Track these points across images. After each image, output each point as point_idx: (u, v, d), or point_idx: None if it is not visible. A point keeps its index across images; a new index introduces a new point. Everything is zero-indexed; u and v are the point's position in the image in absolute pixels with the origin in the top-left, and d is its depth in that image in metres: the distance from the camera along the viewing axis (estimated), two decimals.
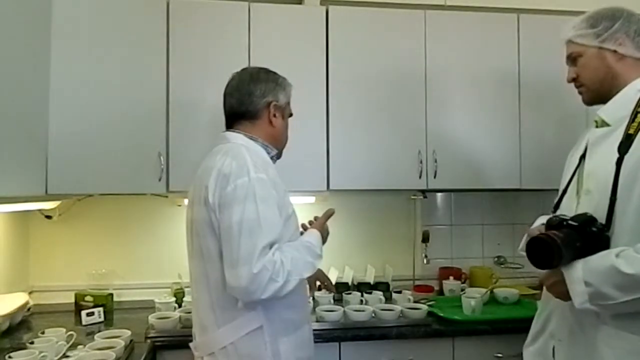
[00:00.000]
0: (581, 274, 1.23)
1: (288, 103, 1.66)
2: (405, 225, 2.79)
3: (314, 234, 1.58)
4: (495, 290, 2.41)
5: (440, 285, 2.64)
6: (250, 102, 1.59)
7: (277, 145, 1.64)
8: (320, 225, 1.64)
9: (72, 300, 2.40)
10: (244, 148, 1.51)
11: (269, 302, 1.42)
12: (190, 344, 1.60)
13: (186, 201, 2.32)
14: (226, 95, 1.63)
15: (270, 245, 1.39)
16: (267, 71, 1.65)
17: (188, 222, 1.57)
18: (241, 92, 1.60)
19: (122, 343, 1.75)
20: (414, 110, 2.40)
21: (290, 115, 1.70)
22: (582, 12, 1.50)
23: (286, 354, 1.47)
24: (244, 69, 1.68)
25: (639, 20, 1.43)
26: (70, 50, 2.13)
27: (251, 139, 1.58)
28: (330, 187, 2.33)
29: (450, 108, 2.43)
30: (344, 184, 2.35)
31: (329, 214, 1.68)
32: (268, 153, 1.60)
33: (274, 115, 1.60)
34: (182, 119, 2.23)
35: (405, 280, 2.66)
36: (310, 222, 1.68)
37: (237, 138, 1.57)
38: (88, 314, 2.16)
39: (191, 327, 1.98)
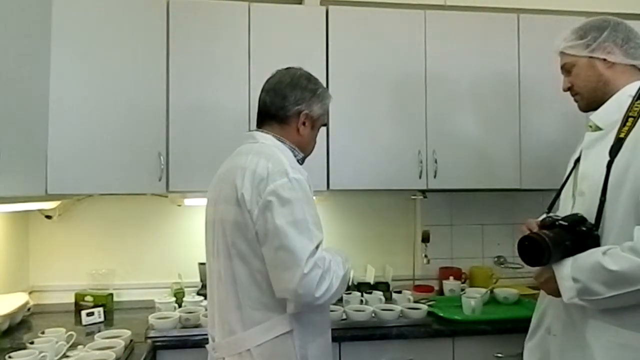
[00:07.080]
0: (570, 270, 1.30)
1: (323, 114, 1.62)
2: (405, 225, 2.79)
3: None
4: (495, 290, 2.41)
5: (440, 285, 2.64)
6: (282, 106, 1.56)
7: (302, 151, 1.60)
8: None
9: (72, 300, 2.41)
10: (276, 149, 1.49)
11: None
12: (207, 346, 1.57)
13: (187, 201, 2.37)
14: (263, 90, 1.60)
15: (317, 246, 1.37)
16: (309, 78, 1.60)
17: (210, 221, 1.54)
18: (276, 93, 1.57)
19: (122, 343, 1.75)
20: (414, 110, 2.40)
21: (324, 125, 1.67)
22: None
23: (313, 358, 1.45)
24: (288, 69, 1.62)
25: (626, 28, 1.48)
26: (70, 51, 2.13)
27: (279, 140, 1.55)
28: (330, 187, 2.33)
29: (450, 108, 2.43)
30: (344, 184, 2.34)
31: None
32: (295, 156, 1.56)
33: (303, 124, 1.57)
34: (182, 118, 2.23)
35: (405, 280, 2.66)
36: None
37: (266, 138, 1.54)
38: (88, 314, 2.16)
39: (191, 327, 2.01)
